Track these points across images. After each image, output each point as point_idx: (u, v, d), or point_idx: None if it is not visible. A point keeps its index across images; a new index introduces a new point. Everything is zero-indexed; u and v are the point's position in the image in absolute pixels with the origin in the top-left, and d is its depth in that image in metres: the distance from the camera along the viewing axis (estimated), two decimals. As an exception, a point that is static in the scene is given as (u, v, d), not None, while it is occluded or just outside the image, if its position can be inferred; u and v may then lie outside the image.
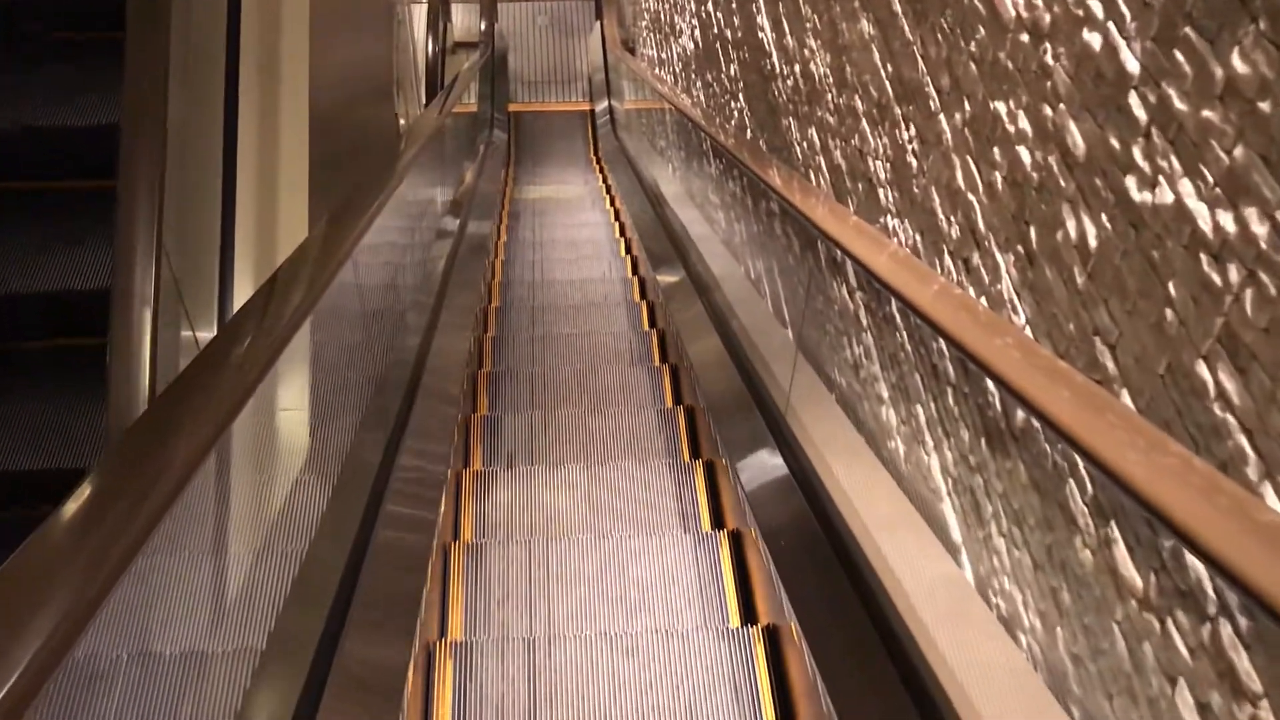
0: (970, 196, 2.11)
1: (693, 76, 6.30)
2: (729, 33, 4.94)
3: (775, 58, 3.92)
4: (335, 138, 3.83)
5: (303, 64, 3.18)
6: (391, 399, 3.21)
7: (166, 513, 1.17)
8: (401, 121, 6.47)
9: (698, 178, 5.70)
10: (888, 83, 2.62)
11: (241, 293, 3.10)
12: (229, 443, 1.62)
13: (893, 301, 2.56)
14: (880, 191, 2.70)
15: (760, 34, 4.16)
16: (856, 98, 2.88)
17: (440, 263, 4.58)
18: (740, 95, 4.68)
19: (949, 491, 2.26)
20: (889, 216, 2.64)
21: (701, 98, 5.91)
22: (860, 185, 2.87)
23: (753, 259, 4.31)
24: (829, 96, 3.18)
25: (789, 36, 3.70)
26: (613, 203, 7.76)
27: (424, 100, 9.30)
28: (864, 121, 2.82)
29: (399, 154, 4.05)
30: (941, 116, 2.25)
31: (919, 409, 2.41)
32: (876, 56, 2.70)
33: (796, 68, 3.58)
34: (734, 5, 4.76)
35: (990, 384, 2.00)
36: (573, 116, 10.96)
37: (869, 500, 2.60)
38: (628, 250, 6.59)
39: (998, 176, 1.98)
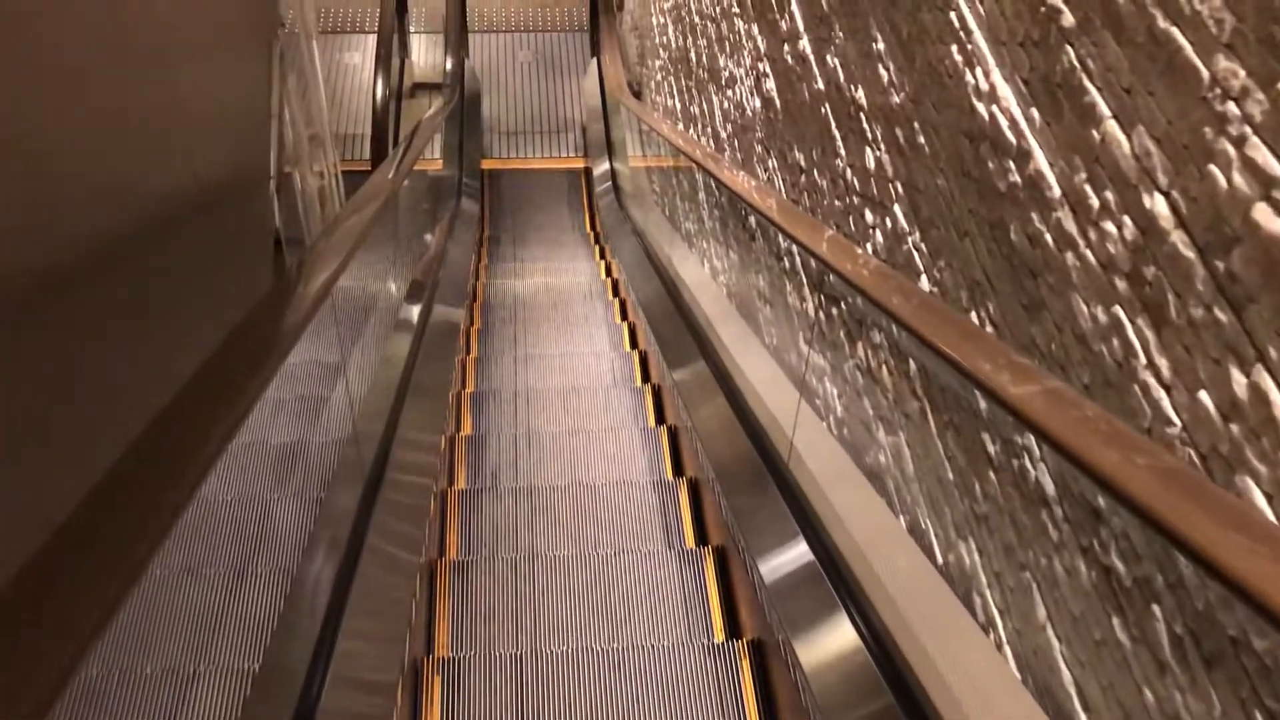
0: None
1: (755, 148, 4.25)
2: (862, 93, 2.89)
3: (1044, 164, 1.87)
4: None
5: None
6: None
7: None
8: (278, 219, 4.27)
9: (779, 307, 3.66)
10: None
11: None
12: None
13: None
14: None
15: (986, 109, 2.11)
16: None
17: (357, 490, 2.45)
18: (897, 208, 2.63)
19: None
20: None
21: (779, 184, 3.86)
22: None
23: (948, 533, 2.26)
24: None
25: (1116, 125, 1.65)
26: (633, 336, 5.46)
27: (370, 158, 7.20)
28: None
29: (271, 337, 1.95)
30: None
31: None
32: None
33: (1163, 203, 1.53)
34: (884, 45, 2.72)
35: None
36: (562, 177, 8.75)
37: None
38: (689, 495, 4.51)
39: None
